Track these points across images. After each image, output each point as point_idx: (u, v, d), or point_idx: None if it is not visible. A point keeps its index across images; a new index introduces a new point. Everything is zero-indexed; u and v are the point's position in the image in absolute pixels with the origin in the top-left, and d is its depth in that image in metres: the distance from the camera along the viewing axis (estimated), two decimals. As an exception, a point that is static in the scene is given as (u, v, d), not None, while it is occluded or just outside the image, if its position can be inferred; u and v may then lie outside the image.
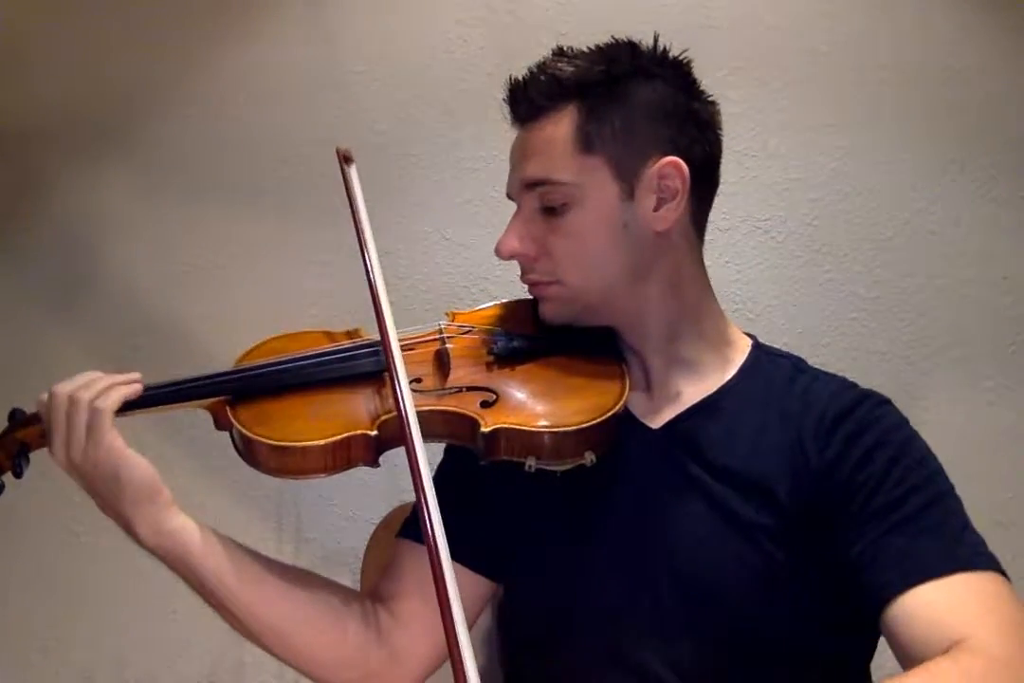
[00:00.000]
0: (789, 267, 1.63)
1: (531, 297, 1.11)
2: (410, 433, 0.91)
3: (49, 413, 0.96)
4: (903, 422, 1.01)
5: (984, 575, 0.90)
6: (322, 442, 0.97)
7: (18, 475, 1.00)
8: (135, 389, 0.98)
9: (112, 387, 0.97)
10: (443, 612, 0.80)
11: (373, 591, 1.12)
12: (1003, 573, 0.91)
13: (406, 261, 1.60)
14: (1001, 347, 1.63)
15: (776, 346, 1.15)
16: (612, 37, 1.07)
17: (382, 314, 1.01)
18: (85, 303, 1.63)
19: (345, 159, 1.07)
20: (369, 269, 1.03)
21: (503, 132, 1.60)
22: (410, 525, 1.13)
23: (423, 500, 0.87)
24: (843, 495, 0.96)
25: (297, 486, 1.60)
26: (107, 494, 0.97)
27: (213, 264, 1.64)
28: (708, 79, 1.13)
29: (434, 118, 1.64)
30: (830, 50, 1.63)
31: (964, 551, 0.92)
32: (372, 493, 1.59)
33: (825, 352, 1.60)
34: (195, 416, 1.54)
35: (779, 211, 1.63)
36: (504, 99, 1.07)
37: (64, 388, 0.96)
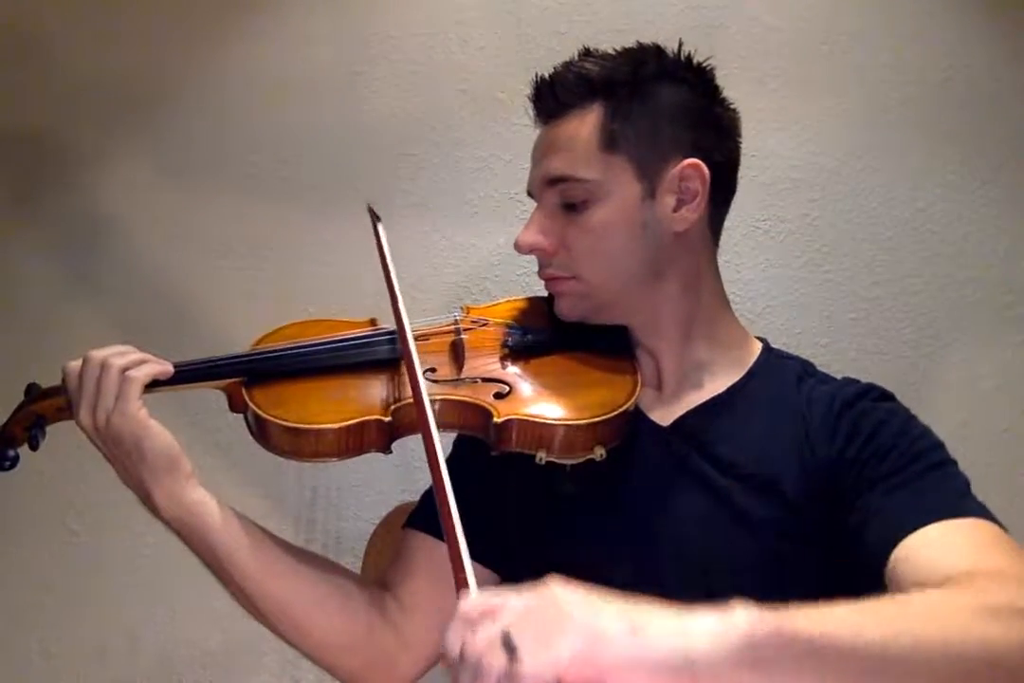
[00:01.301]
0: (789, 267, 1.63)
1: (545, 295, 1.13)
2: (423, 409, 0.92)
3: (79, 378, 0.97)
4: (903, 408, 1.04)
5: (985, 523, 0.91)
6: (336, 426, 0.99)
7: (33, 447, 1.01)
8: (167, 368, 1.00)
9: (146, 360, 0.99)
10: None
11: (380, 580, 1.13)
12: (1005, 530, 0.92)
13: (406, 261, 1.59)
14: (1001, 347, 1.62)
15: (776, 346, 1.17)
16: (638, 42, 1.09)
17: (397, 304, 1.02)
18: (85, 301, 1.63)
19: (375, 217, 1.12)
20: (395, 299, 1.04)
21: (503, 132, 1.62)
22: (416, 515, 1.14)
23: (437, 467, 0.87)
24: (853, 470, 0.98)
25: (296, 486, 1.60)
26: (128, 462, 0.98)
27: (212, 264, 1.64)
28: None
29: (434, 118, 1.64)
30: (830, 50, 1.63)
31: (967, 503, 0.93)
32: (372, 493, 1.59)
33: (825, 352, 1.60)
34: (201, 422, 1.54)
35: (779, 211, 1.63)
36: (529, 96, 1.09)
37: (98, 354, 0.98)
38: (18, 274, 1.64)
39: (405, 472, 1.58)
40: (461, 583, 0.75)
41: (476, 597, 0.71)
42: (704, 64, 1.09)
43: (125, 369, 0.97)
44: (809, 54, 1.63)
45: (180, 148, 1.65)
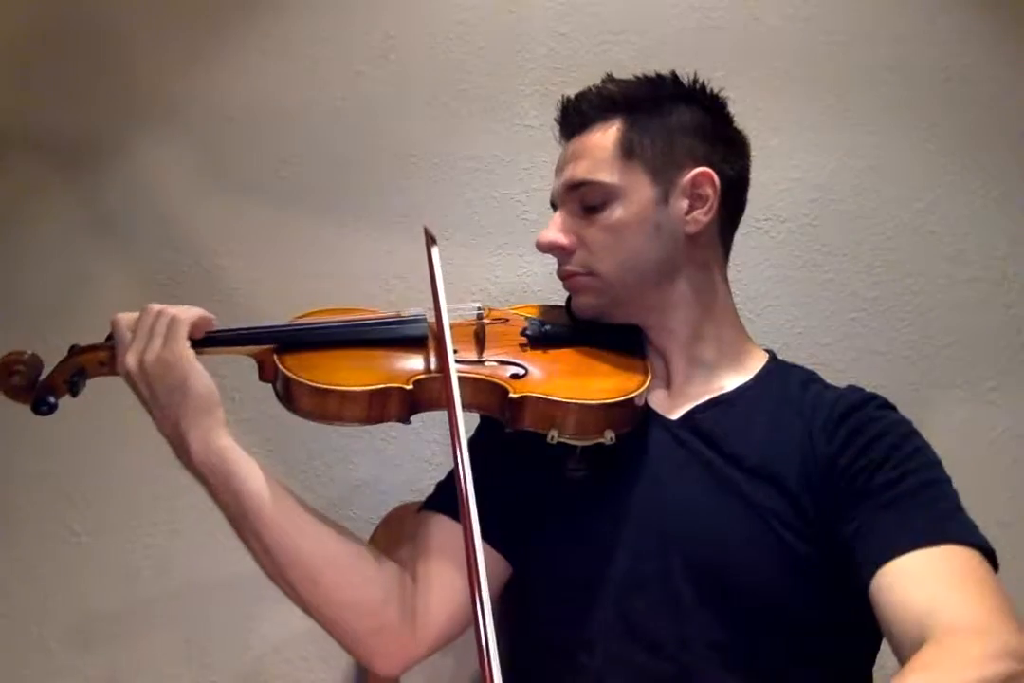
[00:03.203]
0: (789, 267, 1.63)
1: (560, 304, 1.19)
2: (450, 386, 0.98)
3: (136, 323, 1.04)
4: (906, 421, 1.08)
5: (966, 550, 0.94)
6: (361, 389, 1.04)
7: (74, 394, 1.07)
8: (213, 318, 1.07)
9: (192, 308, 1.06)
10: (469, 567, 0.84)
11: (397, 557, 1.14)
12: (989, 553, 0.95)
13: (406, 261, 1.59)
14: (1001, 347, 1.63)
15: (776, 346, 1.21)
16: (656, 72, 1.17)
17: (437, 295, 1.10)
18: (87, 299, 1.63)
19: (431, 240, 1.16)
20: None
21: (503, 132, 1.62)
22: (434, 497, 1.18)
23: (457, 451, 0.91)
24: (846, 479, 1.01)
25: (296, 486, 1.60)
26: (169, 402, 1.02)
27: (213, 264, 1.64)
28: (708, 79, 1.15)
29: (434, 118, 1.64)
30: (830, 50, 1.64)
31: (951, 526, 0.97)
32: (372, 493, 1.59)
33: (825, 352, 1.60)
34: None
35: (779, 211, 1.63)
36: (556, 118, 1.18)
37: (156, 305, 1.05)
38: (20, 271, 1.64)
39: (406, 472, 1.58)
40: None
41: None
42: (718, 92, 1.17)
43: (177, 314, 1.04)
44: (809, 54, 1.64)
45: (180, 148, 1.65)
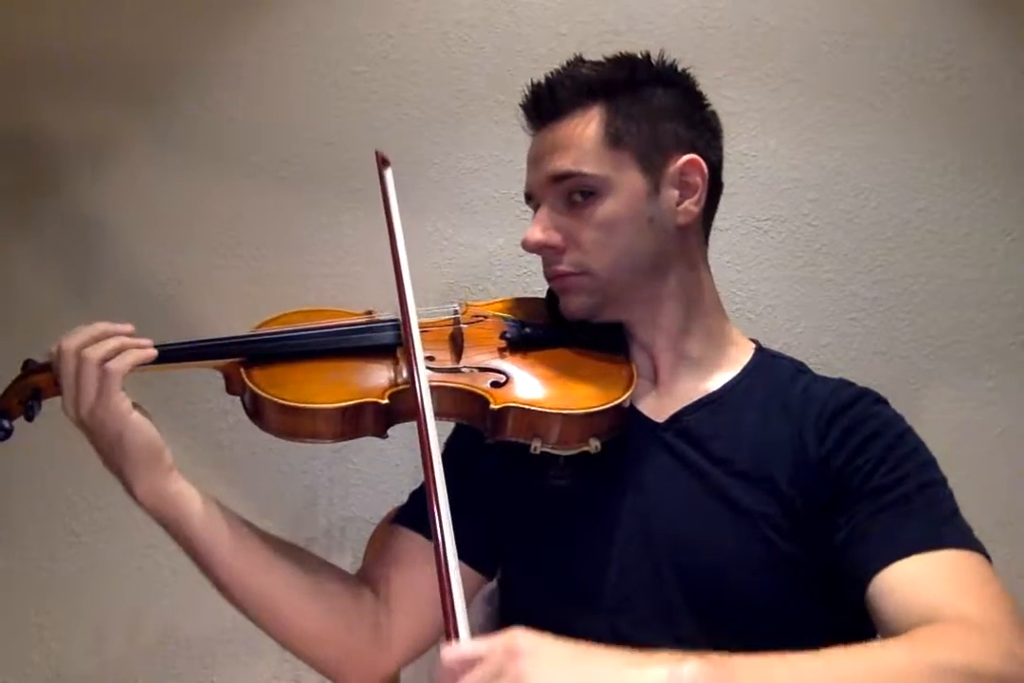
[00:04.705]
0: (789, 267, 1.63)
1: (541, 296, 1.15)
2: (422, 401, 0.93)
3: (58, 367, 0.96)
4: (899, 417, 1.06)
5: (967, 554, 0.93)
6: (333, 406, 0.99)
7: (29, 418, 1.01)
8: (149, 354, 0.98)
9: (125, 349, 0.97)
10: (442, 590, 0.81)
11: (364, 574, 1.13)
12: (987, 556, 0.93)
13: (406, 261, 1.59)
14: (1001, 347, 1.63)
15: (776, 346, 1.19)
16: (620, 52, 1.12)
17: (404, 294, 1.05)
18: (83, 302, 1.63)
19: (383, 162, 1.10)
20: (399, 261, 1.07)
21: (503, 132, 1.62)
22: (405, 512, 1.15)
23: (430, 476, 0.88)
24: (839, 480, 0.99)
25: (296, 486, 1.60)
26: (110, 452, 0.98)
27: (212, 265, 1.64)
28: (708, 79, 1.15)
29: (434, 118, 1.64)
30: (830, 50, 1.63)
31: (949, 531, 0.95)
32: (372, 493, 1.59)
33: (825, 352, 1.60)
34: (202, 424, 1.54)
35: (779, 211, 1.63)
36: (523, 103, 1.12)
37: (72, 343, 0.96)
38: (16, 274, 1.64)
39: (405, 472, 1.58)
40: (452, 633, 0.77)
41: (456, 648, 0.75)
42: (687, 70, 1.13)
43: (104, 360, 0.95)
44: (809, 54, 1.63)
45: (180, 148, 1.65)
